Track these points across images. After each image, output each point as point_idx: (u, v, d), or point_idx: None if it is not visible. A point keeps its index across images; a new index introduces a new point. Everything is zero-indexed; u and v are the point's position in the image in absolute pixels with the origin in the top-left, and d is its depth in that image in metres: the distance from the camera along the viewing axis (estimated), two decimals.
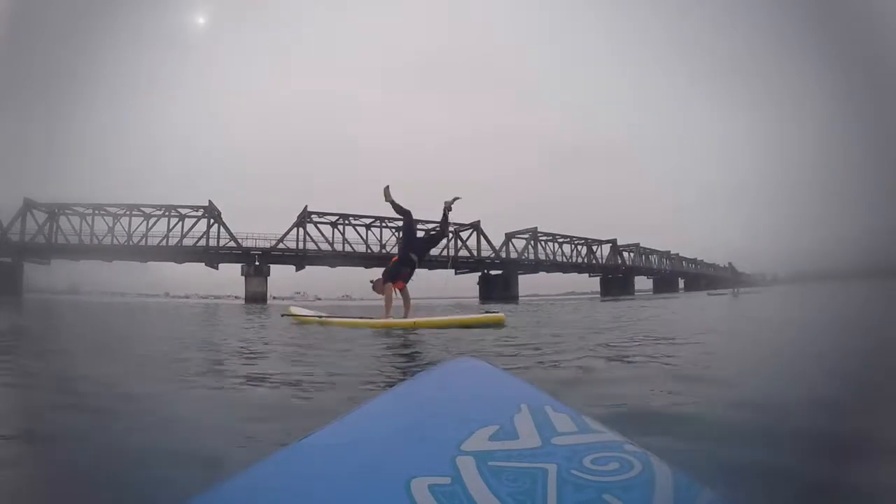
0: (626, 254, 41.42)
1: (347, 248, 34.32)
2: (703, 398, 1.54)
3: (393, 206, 6.27)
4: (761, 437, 1.16)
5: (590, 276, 40.87)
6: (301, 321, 6.17)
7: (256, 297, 31.45)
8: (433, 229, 6.46)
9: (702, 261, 46.15)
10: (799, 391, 1.67)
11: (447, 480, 0.48)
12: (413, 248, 6.24)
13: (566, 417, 0.60)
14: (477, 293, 36.61)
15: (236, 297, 32.43)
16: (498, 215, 75.97)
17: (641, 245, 42.10)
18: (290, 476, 0.52)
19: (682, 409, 1.40)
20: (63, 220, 33.22)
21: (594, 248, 40.47)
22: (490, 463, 0.51)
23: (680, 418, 1.30)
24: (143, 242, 33.09)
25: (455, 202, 6.31)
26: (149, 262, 34.57)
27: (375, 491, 0.48)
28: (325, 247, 33.84)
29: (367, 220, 35.02)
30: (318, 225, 34.19)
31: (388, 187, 6.27)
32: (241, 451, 1.10)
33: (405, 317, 5.72)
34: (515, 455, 0.52)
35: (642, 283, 42.53)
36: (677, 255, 44.69)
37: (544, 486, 0.47)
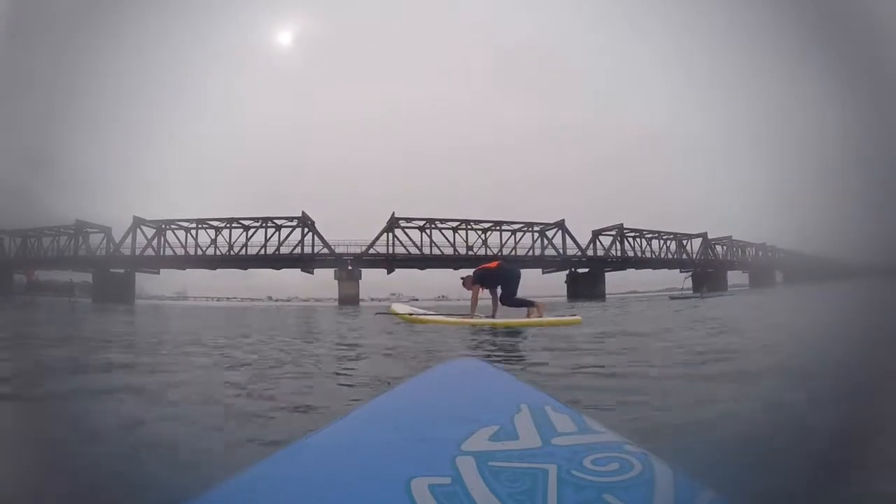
0: (718, 247, 39.32)
1: (435, 251, 34.94)
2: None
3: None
4: (762, 436, 1.16)
5: (681, 271, 39.16)
6: (396, 317, 6.50)
7: (349, 300, 32.75)
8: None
9: (802, 252, 42.83)
10: (801, 391, 1.69)
11: (447, 480, 0.48)
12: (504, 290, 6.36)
13: (566, 417, 0.59)
14: (565, 292, 36.10)
15: (335, 300, 33.81)
16: (583, 211, 74.26)
17: (734, 238, 39.80)
18: (290, 476, 0.51)
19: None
20: (169, 234, 36.26)
21: (684, 242, 38.76)
22: (490, 463, 0.50)
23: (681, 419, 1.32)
24: (243, 252, 35.29)
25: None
26: (249, 269, 36.98)
27: (375, 491, 0.47)
28: (413, 251, 34.65)
29: (454, 224, 35.55)
30: (406, 230, 35.08)
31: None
32: (240, 452, 1.10)
33: (492, 317, 5.93)
34: (516, 455, 0.52)
35: (736, 277, 40.08)
36: (773, 246, 41.81)
37: (544, 487, 0.47)
